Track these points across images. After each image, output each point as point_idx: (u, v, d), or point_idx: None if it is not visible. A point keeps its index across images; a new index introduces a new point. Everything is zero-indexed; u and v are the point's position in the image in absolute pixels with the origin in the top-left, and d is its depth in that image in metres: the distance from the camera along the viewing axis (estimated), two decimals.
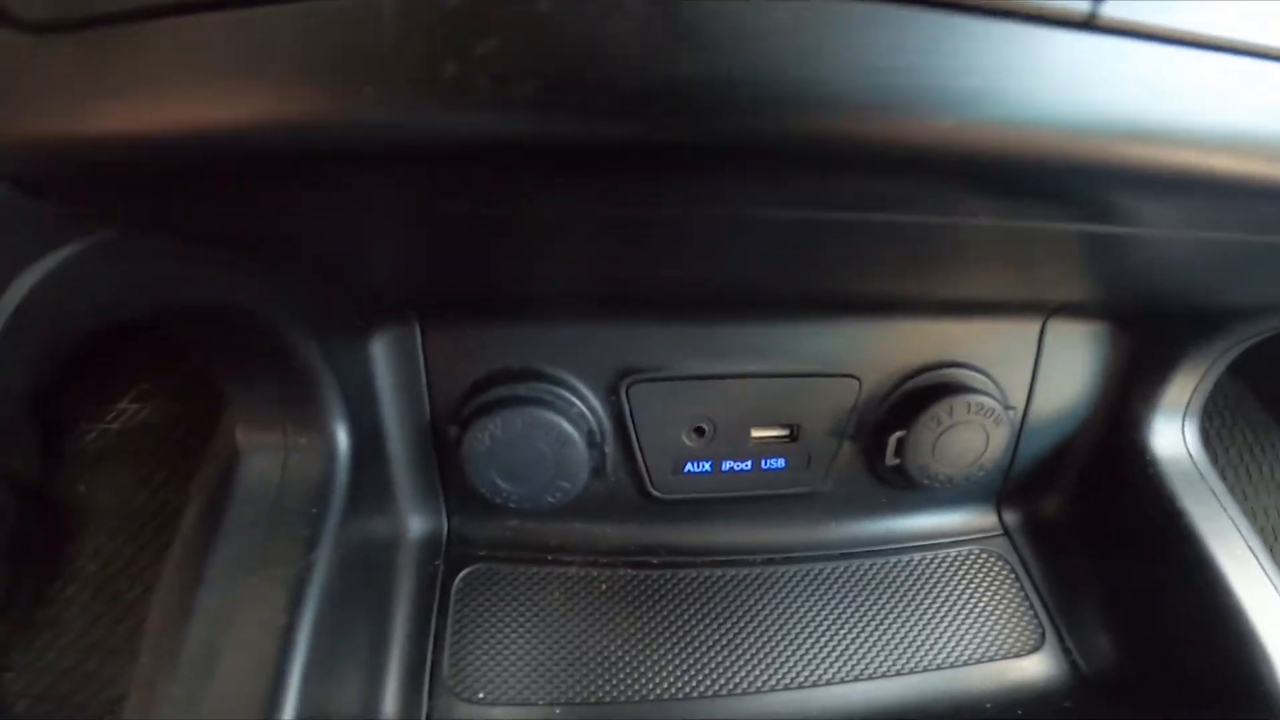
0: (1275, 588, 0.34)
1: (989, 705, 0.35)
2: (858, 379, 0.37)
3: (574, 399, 0.36)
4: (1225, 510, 0.37)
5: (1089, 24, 0.15)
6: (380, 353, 0.34)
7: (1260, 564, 0.34)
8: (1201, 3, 0.16)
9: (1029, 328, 0.39)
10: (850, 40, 0.14)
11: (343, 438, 0.32)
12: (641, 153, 0.14)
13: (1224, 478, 0.60)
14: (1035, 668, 0.37)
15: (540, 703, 0.34)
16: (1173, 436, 0.40)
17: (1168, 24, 0.16)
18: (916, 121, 0.14)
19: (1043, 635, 0.38)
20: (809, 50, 0.13)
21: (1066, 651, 0.37)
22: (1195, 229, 0.22)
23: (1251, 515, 0.58)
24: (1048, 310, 0.38)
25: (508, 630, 0.36)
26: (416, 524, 0.38)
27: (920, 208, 0.18)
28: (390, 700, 0.32)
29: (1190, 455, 0.39)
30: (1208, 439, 0.62)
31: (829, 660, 0.36)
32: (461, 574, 0.37)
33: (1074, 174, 0.16)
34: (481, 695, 0.34)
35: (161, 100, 0.14)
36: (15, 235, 0.16)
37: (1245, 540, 0.35)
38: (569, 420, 0.34)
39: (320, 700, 0.27)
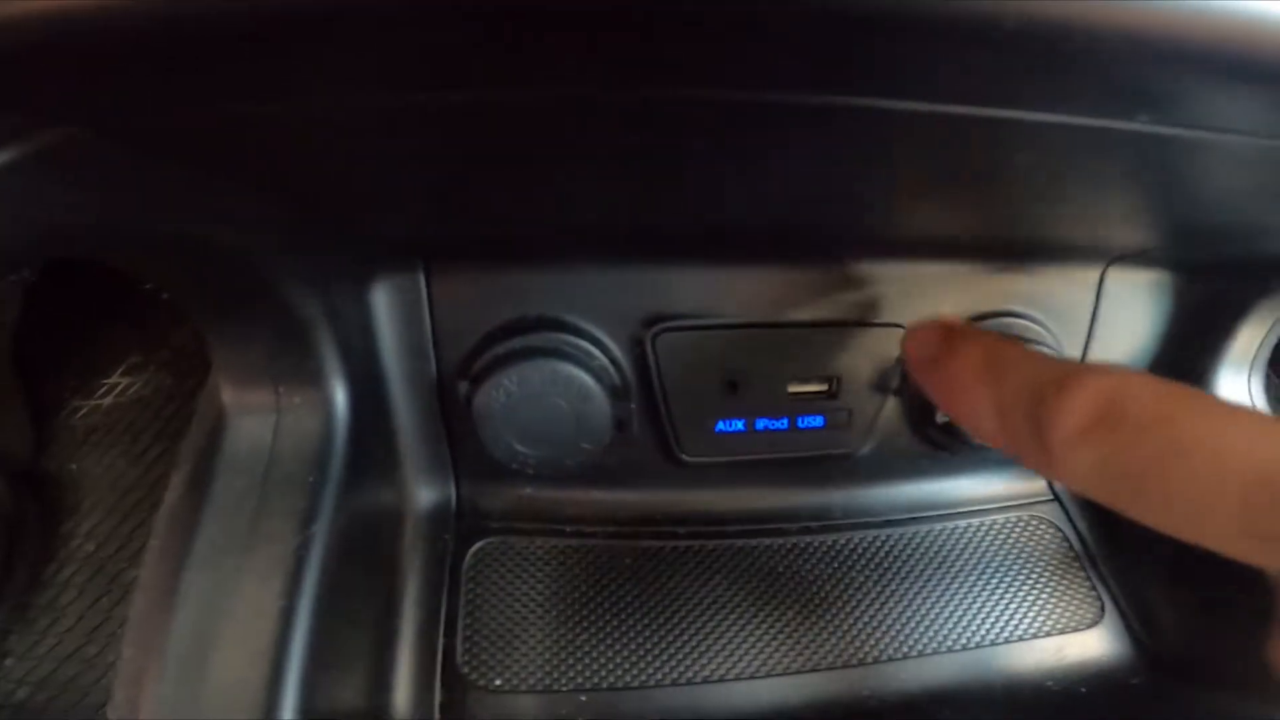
0: None
1: (1050, 683, 0.32)
2: (904, 328, 0.34)
3: (596, 350, 0.32)
4: None
5: None
6: (382, 302, 0.31)
7: None
8: None
9: (1088, 276, 0.36)
10: None
11: (341, 397, 0.29)
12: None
13: None
14: (1095, 643, 0.34)
15: (563, 689, 0.31)
16: (1238, 390, 0.37)
17: None
18: None
19: (1101, 608, 0.35)
20: None
21: (1129, 626, 0.35)
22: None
23: None
24: (1108, 258, 0.35)
25: (525, 610, 0.33)
26: (423, 493, 0.35)
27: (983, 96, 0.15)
28: (400, 690, 0.29)
29: (1257, 410, 0.36)
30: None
31: (875, 636, 0.33)
32: (474, 548, 0.34)
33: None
34: (499, 683, 0.31)
35: None
36: None
37: None
38: (591, 374, 0.31)
39: (323, 693, 0.24)
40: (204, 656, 0.23)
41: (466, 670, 0.31)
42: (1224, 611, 0.33)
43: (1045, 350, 0.34)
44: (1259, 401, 0.37)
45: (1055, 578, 0.36)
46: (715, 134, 0.18)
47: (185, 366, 0.54)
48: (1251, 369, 0.37)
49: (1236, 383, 0.36)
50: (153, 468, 0.51)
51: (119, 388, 0.54)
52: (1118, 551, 0.37)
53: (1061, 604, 0.35)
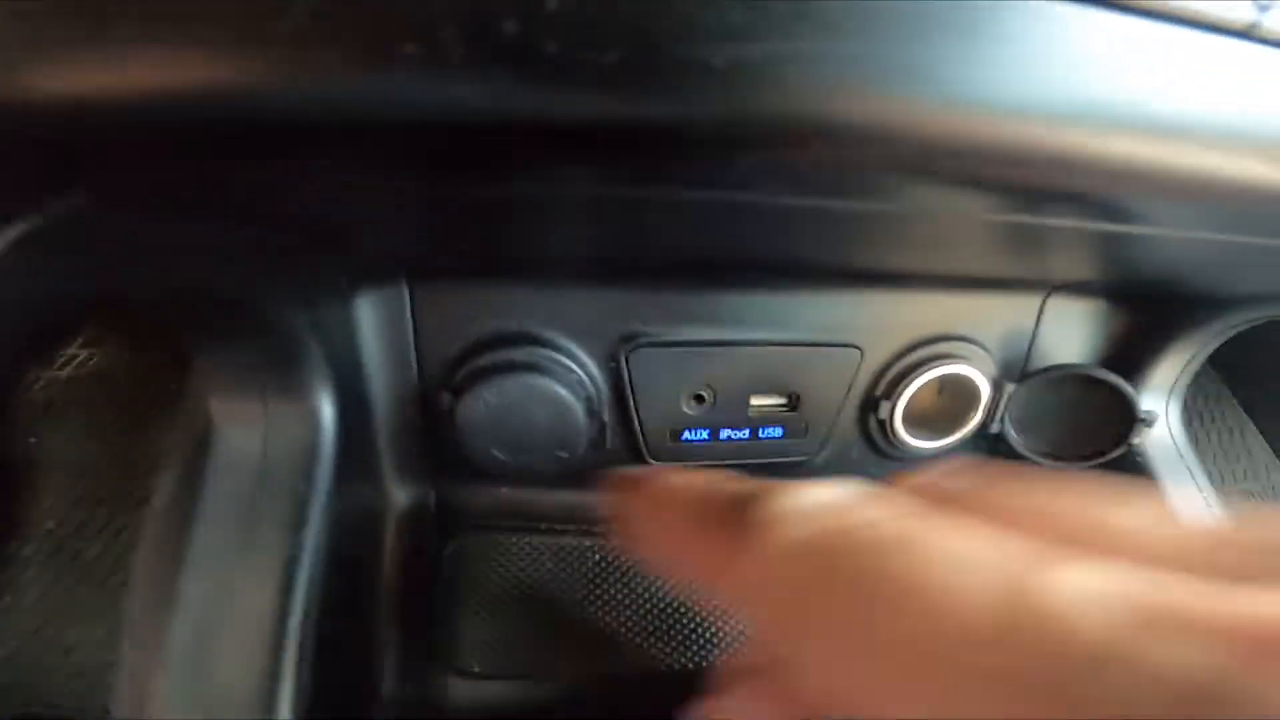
0: None
1: None
2: (859, 349, 0.36)
3: (572, 365, 0.34)
4: (1201, 492, 0.38)
5: (1249, 33, 0.14)
6: (366, 316, 0.32)
7: None
8: None
9: (1029, 304, 0.38)
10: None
11: (327, 407, 0.30)
12: (703, 134, 0.13)
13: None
14: None
15: (537, 675, 0.33)
16: (1158, 414, 0.40)
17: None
18: (950, 108, 0.13)
19: None
20: (849, 33, 0.12)
21: None
22: (1192, 229, 0.21)
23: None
24: (1049, 288, 0.38)
25: (501, 602, 0.35)
26: (404, 495, 0.37)
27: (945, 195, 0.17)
28: (386, 678, 0.31)
29: (1172, 435, 0.40)
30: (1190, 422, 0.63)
31: None
32: (452, 545, 0.36)
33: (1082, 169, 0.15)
34: (477, 669, 0.33)
35: (118, 62, 0.12)
36: None
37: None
38: (567, 387, 0.33)
39: (317, 686, 0.26)
40: (205, 656, 0.25)
41: (448, 657, 0.33)
42: None
43: (985, 373, 0.37)
44: (1176, 429, 0.40)
45: None
46: (687, 211, 0.20)
47: (146, 340, 0.53)
48: (1170, 395, 0.40)
49: (1155, 408, 0.40)
50: (113, 443, 0.50)
51: (78, 359, 0.52)
52: None
53: None
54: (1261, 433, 0.66)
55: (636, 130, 0.12)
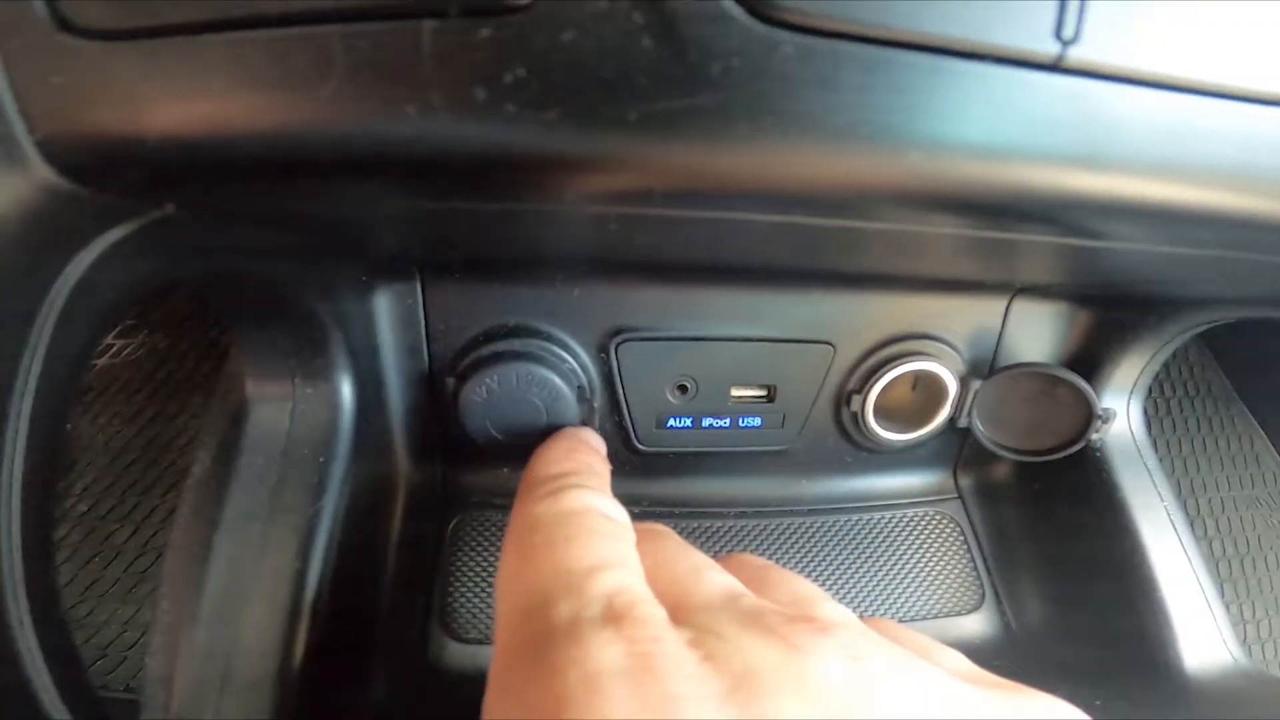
0: (1192, 566, 0.37)
1: None
2: (832, 345, 0.39)
3: (566, 355, 0.38)
4: (1157, 489, 0.40)
5: (1056, 66, 0.17)
6: (383, 308, 0.36)
7: (1182, 543, 0.38)
8: (1160, 49, 0.17)
9: (996, 305, 0.41)
10: (832, 80, 0.15)
11: (347, 388, 0.34)
12: (643, 172, 0.16)
13: (1181, 450, 0.64)
14: (973, 626, 0.40)
15: None
16: (1117, 414, 0.42)
17: (1129, 66, 0.17)
18: (888, 154, 0.16)
19: (982, 597, 0.41)
20: (795, 89, 0.15)
21: (1002, 613, 0.41)
22: (1150, 245, 0.24)
23: (1201, 489, 0.62)
24: (1014, 290, 0.41)
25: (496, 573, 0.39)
26: (413, 471, 0.40)
27: (898, 220, 0.20)
28: (390, 638, 0.35)
29: (1132, 433, 0.42)
30: (1169, 412, 0.65)
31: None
32: (455, 519, 0.40)
33: (1034, 203, 0.18)
34: (473, 634, 0.37)
35: (217, 106, 0.15)
36: (75, 219, 0.17)
37: (1171, 519, 0.39)
38: (561, 376, 0.37)
39: (330, 642, 0.30)
40: (234, 609, 0.29)
41: (446, 622, 0.37)
42: (1081, 606, 0.39)
43: (953, 369, 0.40)
44: (1137, 427, 0.42)
45: (949, 567, 0.42)
46: (684, 224, 0.23)
47: (179, 329, 0.55)
48: (1131, 396, 0.42)
49: (1117, 408, 0.42)
50: (146, 429, 0.52)
51: (113, 349, 0.55)
52: (1002, 546, 0.43)
53: (950, 590, 0.41)
54: (1270, 440, 0.67)
55: (572, 165, 0.16)
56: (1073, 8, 0.16)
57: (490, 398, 0.36)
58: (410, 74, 0.15)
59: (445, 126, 0.15)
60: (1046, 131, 0.17)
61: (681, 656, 0.16)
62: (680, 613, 0.18)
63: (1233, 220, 0.21)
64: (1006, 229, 0.21)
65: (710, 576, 0.20)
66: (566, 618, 0.17)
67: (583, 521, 0.21)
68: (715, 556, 0.23)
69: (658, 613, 0.17)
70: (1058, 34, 0.16)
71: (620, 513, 0.24)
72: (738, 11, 0.15)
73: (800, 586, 0.22)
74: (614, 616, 0.17)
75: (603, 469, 0.28)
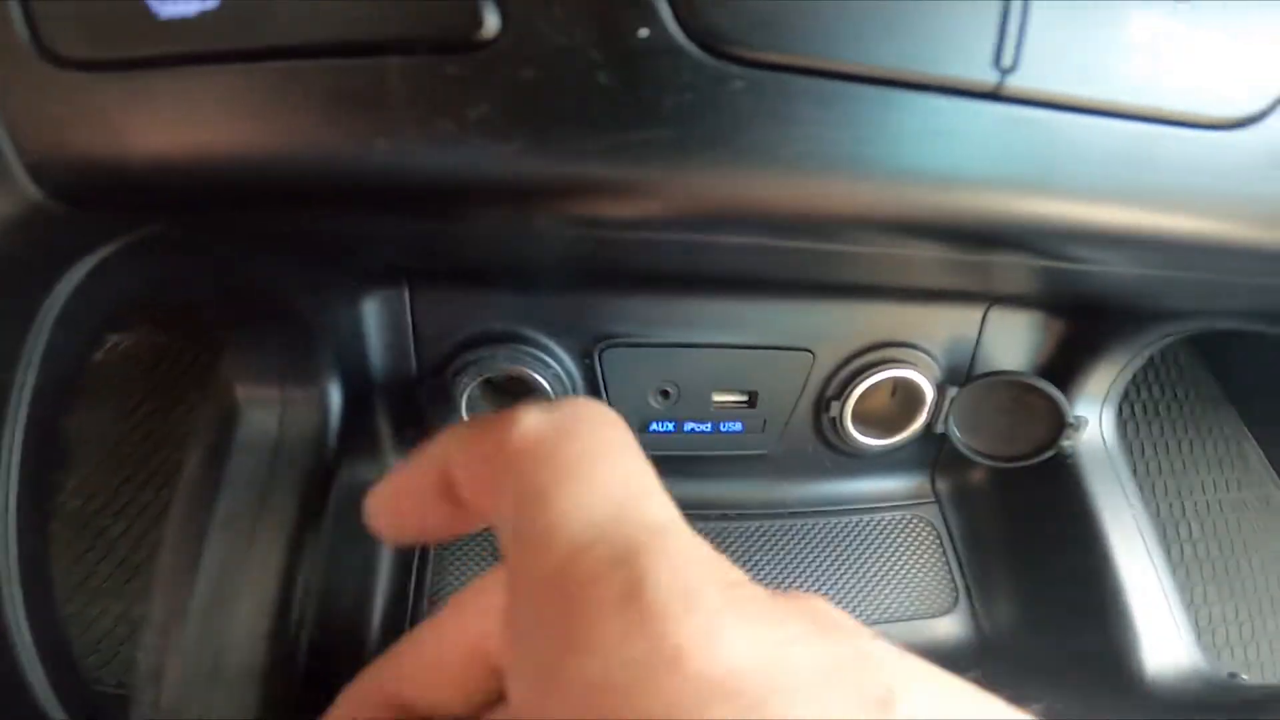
0: (1157, 574, 0.38)
1: None
2: (811, 352, 0.40)
3: (551, 361, 0.38)
4: (1127, 497, 0.41)
5: (996, 94, 0.18)
6: (371, 314, 0.37)
7: (1149, 551, 0.39)
8: (1100, 76, 0.18)
9: (972, 314, 0.42)
10: (781, 113, 0.16)
11: (336, 392, 0.35)
12: (602, 201, 0.17)
13: (1168, 452, 0.64)
14: (946, 629, 0.41)
15: None
16: (1089, 422, 0.43)
17: (1069, 93, 0.18)
18: (838, 184, 0.17)
19: (956, 599, 0.42)
20: (746, 122, 0.16)
21: (974, 616, 0.42)
22: (1106, 266, 0.25)
23: (1188, 491, 0.63)
24: (990, 300, 0.41)
25: (479, 573, 0.39)
26: None
27: (853, 243, 0.21)
28: (377, 633, 0.36)
29: (1104, 440, 0.43)
30: (1156, 413, 0.65)
31: None
32: None
33: (985, 227, 0.19)
34: None
35: (196, 133, 0.16)
36: (63, 237, 0.18)
37: (1139, 528, 0.40)
38: (546, 380, 0.37)
39: (317, 638, 0.31)
40: (223, 607, 0.29)
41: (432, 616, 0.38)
42: (1049, 611, 0.40)
43: (930, 376, 0.41)
44: (1109, 435, 0.43)
45: (924, 570, 0.43)
46: (647, 243, 0.24)
47: (174, 325, 0.55)
48: (1104, 404, 0.43)
49: (1089, 416, 0.43)
50: (140, 425, 0.52)
51: (108, 344, 0.54)
52: (976, 550, 0.44)
53: (924, 593, 0.42)
54: (1258, 443, 0.68)
55: (535, 195, 0.17)
56: (1011, 37, 0.17)
57: (476, 401, 0.37)
58: (380, 108, 0.16)
59: (414, 158, 0.16)
60: (993, 158, 0.18)
61: None
62: None
63: (1184, 244, 0.22)
64: (963, 252, 0.22)
65: None
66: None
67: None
68: None
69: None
70: (996, 63, 0.17)
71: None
72: (690, 47, 0.16)
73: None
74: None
75: None
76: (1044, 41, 0.17)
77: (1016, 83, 0.17)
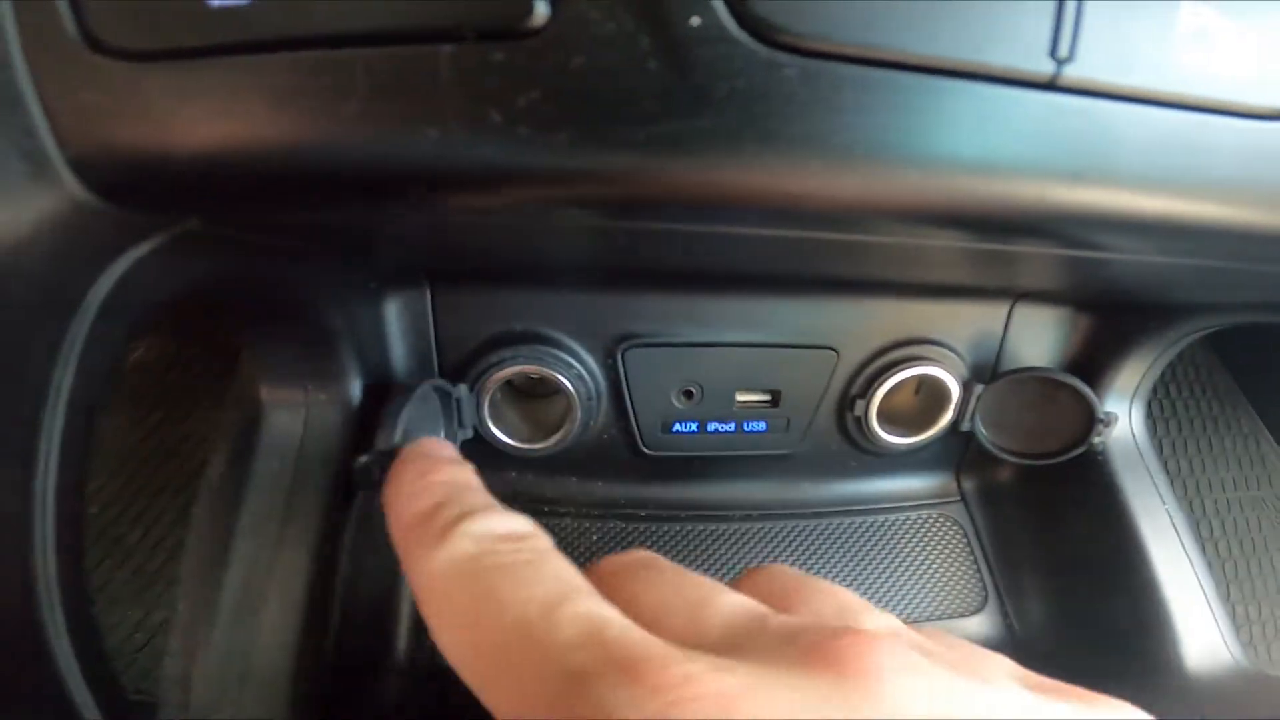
0: (1193, 568, 0.38)
1: None
2: (835, 351, 0.40)
3: (573, 361, 0.38)
4: (1159, 491, 0.41)
5: (1052, 85, 0.17)
6: (393, 314, 0.37)
7: (1183, 545, 0.38)
8: (1156, 66, 0.18)
9: (998, 310, 0.41)
10: (833, 101, 0.16)
11: (358, 394, 0.35)
12: (652, 191, 0.17)
13: (1186, 451, 0.64)
14: (975, 628, 0.41)
15: None
16: (1119, 418, 0.43)
17: (1125, 83, 0.18)
18: (891, 173, 0.17)
19: (985, 598, 0.42)
20: (798, 110, 0.16)
21: (1004, 614, 0.41)
22: (1149, 256, 0.25)
23: (1207, 490, 0.62)
24: (1016, 295, 0.41)
25: None
26: None
27: (901, 234, 0.21)
28: (401, 638, 0.36)
29: (1134, 436, 0.42)
30: (1175, 413, 0.65)
31: None
32: None
33: (1032, 217, 0.19)
34: None
35: (242, 125, 0.16)
36: (104, 234, 0.18)
37: (1173, 522, 0.39)
38: (569, 381, 0.37)
39: (345, 641, 0.30)
40: (252, 610, 0.29)
41: None
42: (1082, 608, 0.40)
43: (956, 374, 0.40)
44: (1139, 431, 0.43)
45: (952, 569, 0.42)
46: (690, 235, 0.24)
47: (188, 334, 0.55)
48: (1133, 400, 0.43)
49: (1118, 411, 0.42)
50: (155, 432, 0.52)
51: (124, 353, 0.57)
52: (1005, 549, 0.43)
53: (953, 593, 0.42)
54: (1277, 442, 0.67)
55: (583, 184, 0.16)
56: (1067, 28, 0.17)
57: (500, 402, 0.37)
58: (428, 97, 0.15)
59: (462, 147, 0.16)
60: (1044, 148, 0.18)
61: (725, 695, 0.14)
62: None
63: (1231, 233, 0.21)
64: (1006, 242, 0.22)
65: (724, 601, 0.17)
66: (558, 684, 0.14)
67: (486, 566, 0.18)
68: (747, 569, 0.21)
69: (657, 643, 0.15)
70: (1053, 53, 0.16)
71: (519, 521, 0.20)
72: (742, 36, 0.15)
73: (842, 598, 0.20)
74: (616, 663, 0.14)
75: (467, 475, 0.22)
76: (1099, 32, 0.17)
77: (1073, 73, 0.17)
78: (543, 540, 0.19)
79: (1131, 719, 0.17)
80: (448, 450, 0.25)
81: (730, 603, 0.17)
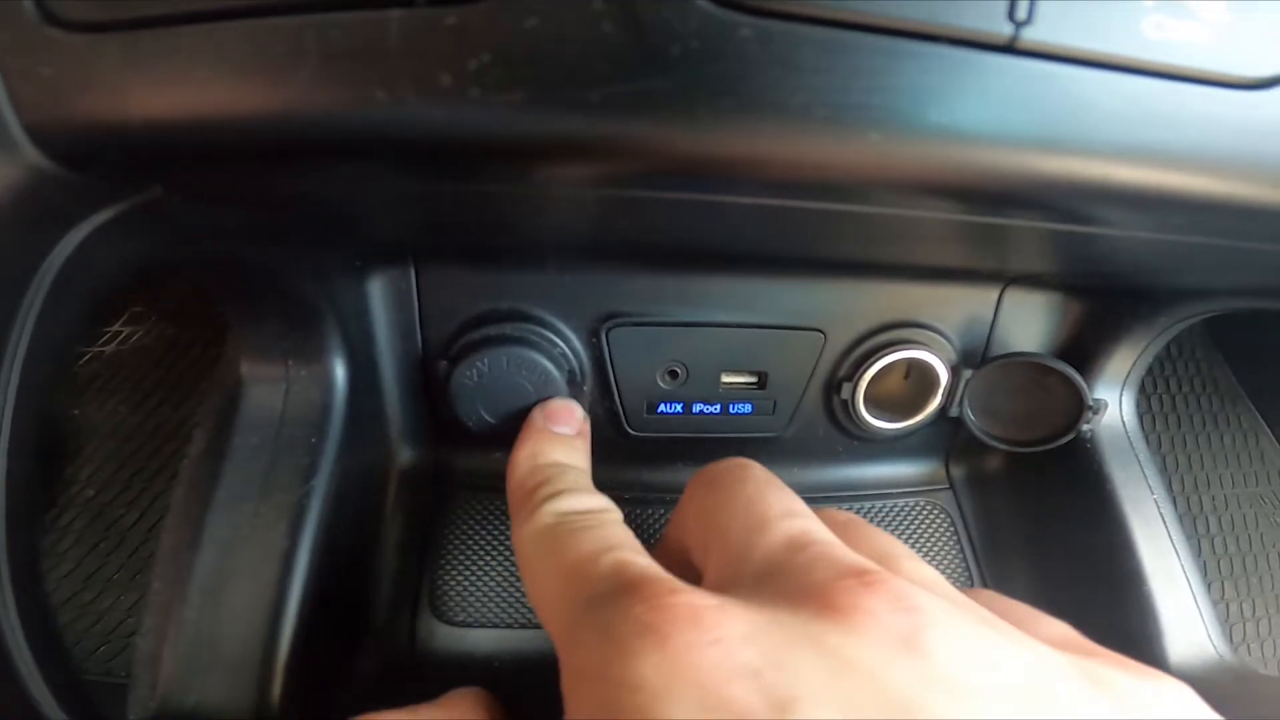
0: (1179, 560, 0.37)
1: None
2: (822, 333, 0.40)
3: (557, 340, 0.38)
4: (1148, 481, 0.40)
5: (1010, 48, 0.17)
6: (377, 292, 0.37)
7: (1170, 536, 0.38)
8: (1117, 31, 0.18)
9: (988, 294, 0.41)
10: (789, 62, 0.16)
11: (340, 371, 0.35)
12: (607, 154, 0.16)
13: (1185, 446, 0.63)
14: None
15: (514, 625, 0.37)
16: (1109, 405, 0.42)
17: (1085, 48, 0.18)
18: (847, 135, 0.16)
19: (971, 585, 0.41)
20: (753, 70, 0.16)
21: None
22: (1123, 231, 0.24)
23: (1205, 485, 0.62)
24: (1006, 279, 0.41)
25: (486, 557, 0.39)
26: (406, 454, 0.41)
27: (863, 201, 0.21)
28: (378, 620, 0.36)
29: (1124, 424, 0.42)
30: (1173, 407, 0.64)
31: None
32: (445, 503, 0.40)
33: (996, 184, 0.19)
34: (460, 617, 0.37)
35: (197, 93, 0.16)
36: (62, 201, 0.18)
37: (1161, 512, 0.39)
38: (552, 360, 0.37)
39: (316, 621, 0.30)
40: (222, 587, 0.29)
41: (434, 606, 0.38)
42: (1066, 596, 0.40)
43: (945, 358, 0.40)
44: (1129, 419, 0.42)
45: (938, 556, 0.42)
46: (666, 207, 0.23)
47: (187, 317, 0.56)
48: (1123, 387, 0.42)
49: (1109, 399, 0.42)
50: (151, 415, 0.52)
51: (121, 336, 0.55)
52: (992, 537, 0.43)
53: None
54: (1275, 437, 0.67)
55: (537, 148, 0.16)
56: None
57: (481, 381, 0.37)
58: (379, 61, 0.15)
59: (414, 111, 0.16)
60: (1005, 113, 0.17)
61: (702, 615, 0.15)
62: (731, 572, 0.19)
63: (1200, 204, 0.21)
64: (973, 212, 0.22)
65: (775, 530, 0.19)
66: (582, 605, 0.18)
67: (559, 532, 0.22)
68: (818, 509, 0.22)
69: (666, 577, 0.17)
70: (1011, 15, 0.16)
71: (597, 500, 0.25)
72: None
73: (885, 543, 0.21)
74: (625, 586, 0.17)
75: (572, 455, 0.29)
76: None
77: (1032, 36, 0.17)
78: (611, 514, 0.24)
79: (1182, 696, 0.17)
80: (564, 419, 0.33)
81: (780, 531, 0.19)
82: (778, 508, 0.20)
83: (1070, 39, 0.17)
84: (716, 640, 0.15)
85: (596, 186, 0.19)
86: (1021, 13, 0.16)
